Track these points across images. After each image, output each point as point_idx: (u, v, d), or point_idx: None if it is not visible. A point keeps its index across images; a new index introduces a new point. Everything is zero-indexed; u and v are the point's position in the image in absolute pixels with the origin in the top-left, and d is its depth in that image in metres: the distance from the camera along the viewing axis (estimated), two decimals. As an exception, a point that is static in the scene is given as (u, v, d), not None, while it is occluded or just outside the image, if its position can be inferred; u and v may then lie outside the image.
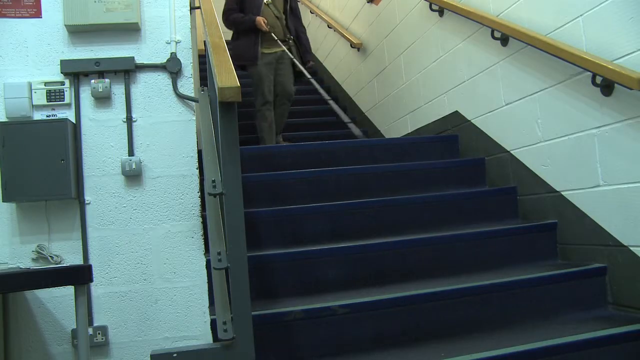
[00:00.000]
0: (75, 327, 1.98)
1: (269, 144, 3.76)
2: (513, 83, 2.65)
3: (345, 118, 3.87)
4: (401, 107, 3.88)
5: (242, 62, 3.91)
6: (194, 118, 2.45)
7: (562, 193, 2.39)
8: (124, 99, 2.41)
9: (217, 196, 1.78)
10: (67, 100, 2.37)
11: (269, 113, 3.91)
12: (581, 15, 2.18)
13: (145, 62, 2.44)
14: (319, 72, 5.79)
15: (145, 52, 2.45)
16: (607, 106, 2.10)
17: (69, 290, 1.90)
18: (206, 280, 2.30)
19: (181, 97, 2.44)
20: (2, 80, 2.33)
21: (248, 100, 4.29)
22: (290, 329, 1.92)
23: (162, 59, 2.45)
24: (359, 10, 4.68)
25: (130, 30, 2.44)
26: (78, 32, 2.40)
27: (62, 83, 2.37)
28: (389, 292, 2.08)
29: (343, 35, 4.93)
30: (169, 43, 2.46)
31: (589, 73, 2.11)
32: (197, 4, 2.63)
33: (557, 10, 2.32)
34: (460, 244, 2.39)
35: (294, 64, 4.02)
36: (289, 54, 3.96)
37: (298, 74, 4.09)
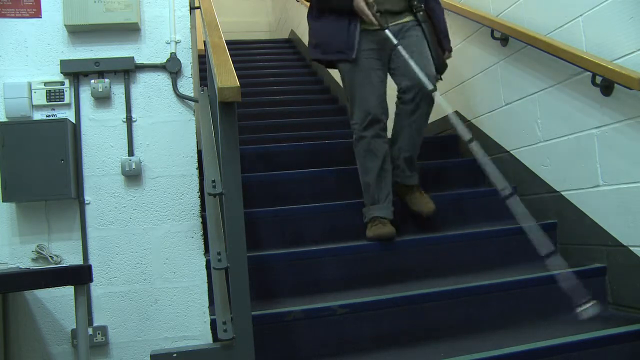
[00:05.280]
0: (75, 327, 1.98)
1: (381, 200, 2.37)
2: (513, 83, 2.65)
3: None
4: (401, 107, 3.87)
5: (327, 56, 2.43)
6: (194, 118, 2.45)
7: (562, 193, 2.39)
8: (124, 99, 2.41)
9: (217, 196, 1.78)
10: (66, 100, 2.37)
11: (378, 143, 2.35)
12: (581, 15, 2.18)
13: (145, 62, 2.44)
14: (319, 71, 5.79)
15: (145, 52, 2.45)
16: (607, 106, 2.09)
17: (69, 290, 1.90)
18: (206, 280, 2.30)
19: (181, 97, 2.44)
20: (2, 80, 2.33)
21: (248, 101, 4.29)
22: (290, 329, 1.92)
23: (162, 59, 2.45)
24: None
25: (130, 30, 2.43)
26: (78, 32, 2.40)
27: (62, 83, 2.37)
28: (389, 292, 2.08)
29: (343, 35, 4.92)
30: (169, 43, 2.46)
31: (589, 73, 2.11)
32: (197, 4, 2.63)
33: (557, 10, 2.31)
34: (460, 243, 2.39)
35: (429, 45, 2.43)
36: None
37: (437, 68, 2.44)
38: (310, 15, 2.49)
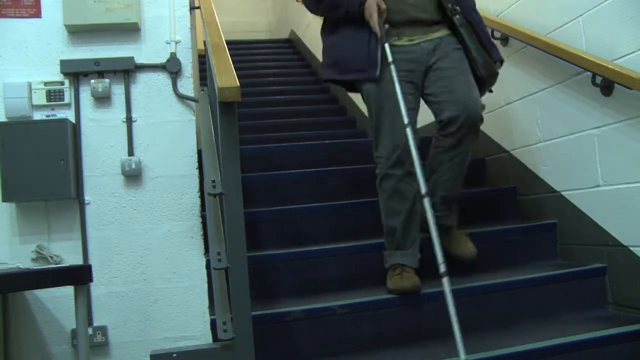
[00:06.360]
0: (75, 327, 1.98)
1: (407, 245, 2.08)
2: (513, 83, 2.65)
3: None
4: (401, 107, 3.87)
5: (346, 75, 2.10)
6: (194, 118, 2.45)
7: (562, 193, 2.39)
8: (124, 99, 2.41)
9: (217, 196, 1.78)
10: (66, 100, 2.37)
11: (408, 182, 2.01)
12: (581, 15, 2.18)
13: (145, 62, 2.44)
14: (319, 72, 5.79)
15: (145, 52, 2.44)
16: (607, 106, 2.09)
17: (69, 290, 1.90)
18: (206, 281, 2.30)
19: (181, 97, 2.44)
20: (2, 80, 2.33)
21: (248, 101, 4.29)
22: (290, 329, 1.92)
23: (161, 59, 2.45)
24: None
25: (130, 30, 2.43)
26: (78, 32, 2.40)
27: (62, 83, 2.37)
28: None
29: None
30: (169, 43, 2.45)
31: (589, 73, 2.11)
32: (197, 4, 2.63)
33: (557, 10, 2.31)
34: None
35: (474, 61, 2.07)
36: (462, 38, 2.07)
37: (482, 82, 2.09)
38: (324, 31, 2.16)
